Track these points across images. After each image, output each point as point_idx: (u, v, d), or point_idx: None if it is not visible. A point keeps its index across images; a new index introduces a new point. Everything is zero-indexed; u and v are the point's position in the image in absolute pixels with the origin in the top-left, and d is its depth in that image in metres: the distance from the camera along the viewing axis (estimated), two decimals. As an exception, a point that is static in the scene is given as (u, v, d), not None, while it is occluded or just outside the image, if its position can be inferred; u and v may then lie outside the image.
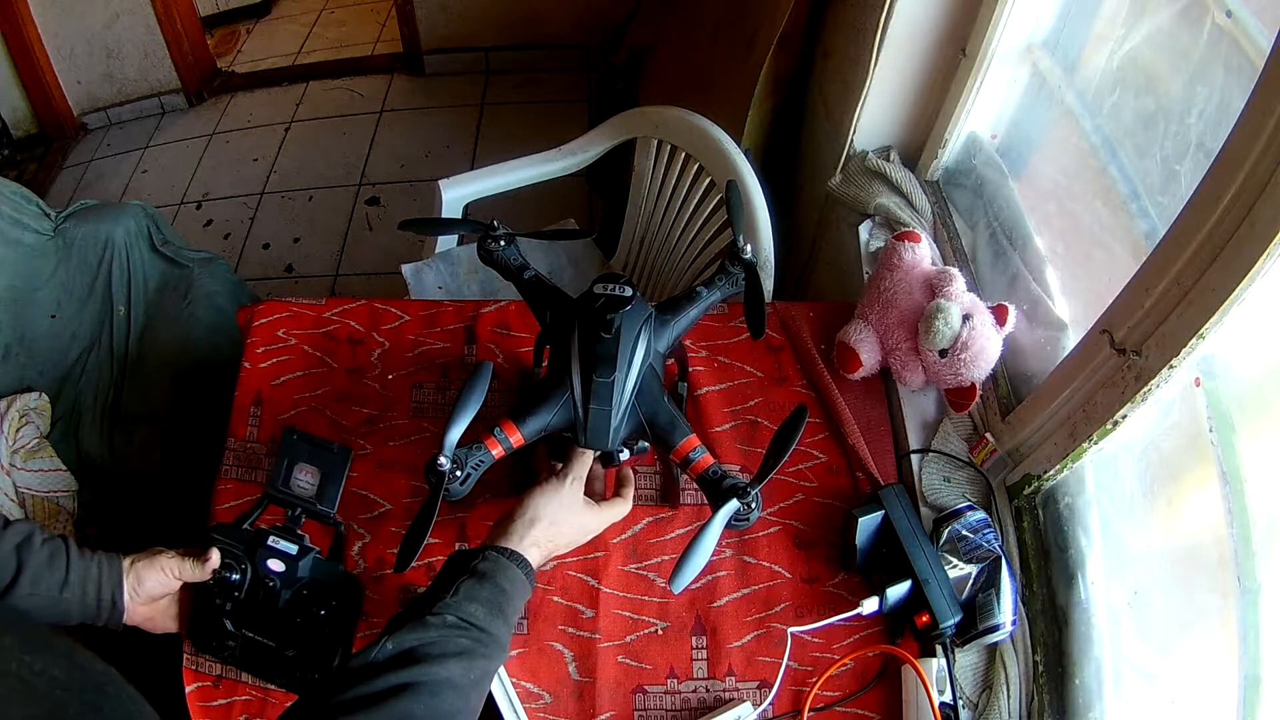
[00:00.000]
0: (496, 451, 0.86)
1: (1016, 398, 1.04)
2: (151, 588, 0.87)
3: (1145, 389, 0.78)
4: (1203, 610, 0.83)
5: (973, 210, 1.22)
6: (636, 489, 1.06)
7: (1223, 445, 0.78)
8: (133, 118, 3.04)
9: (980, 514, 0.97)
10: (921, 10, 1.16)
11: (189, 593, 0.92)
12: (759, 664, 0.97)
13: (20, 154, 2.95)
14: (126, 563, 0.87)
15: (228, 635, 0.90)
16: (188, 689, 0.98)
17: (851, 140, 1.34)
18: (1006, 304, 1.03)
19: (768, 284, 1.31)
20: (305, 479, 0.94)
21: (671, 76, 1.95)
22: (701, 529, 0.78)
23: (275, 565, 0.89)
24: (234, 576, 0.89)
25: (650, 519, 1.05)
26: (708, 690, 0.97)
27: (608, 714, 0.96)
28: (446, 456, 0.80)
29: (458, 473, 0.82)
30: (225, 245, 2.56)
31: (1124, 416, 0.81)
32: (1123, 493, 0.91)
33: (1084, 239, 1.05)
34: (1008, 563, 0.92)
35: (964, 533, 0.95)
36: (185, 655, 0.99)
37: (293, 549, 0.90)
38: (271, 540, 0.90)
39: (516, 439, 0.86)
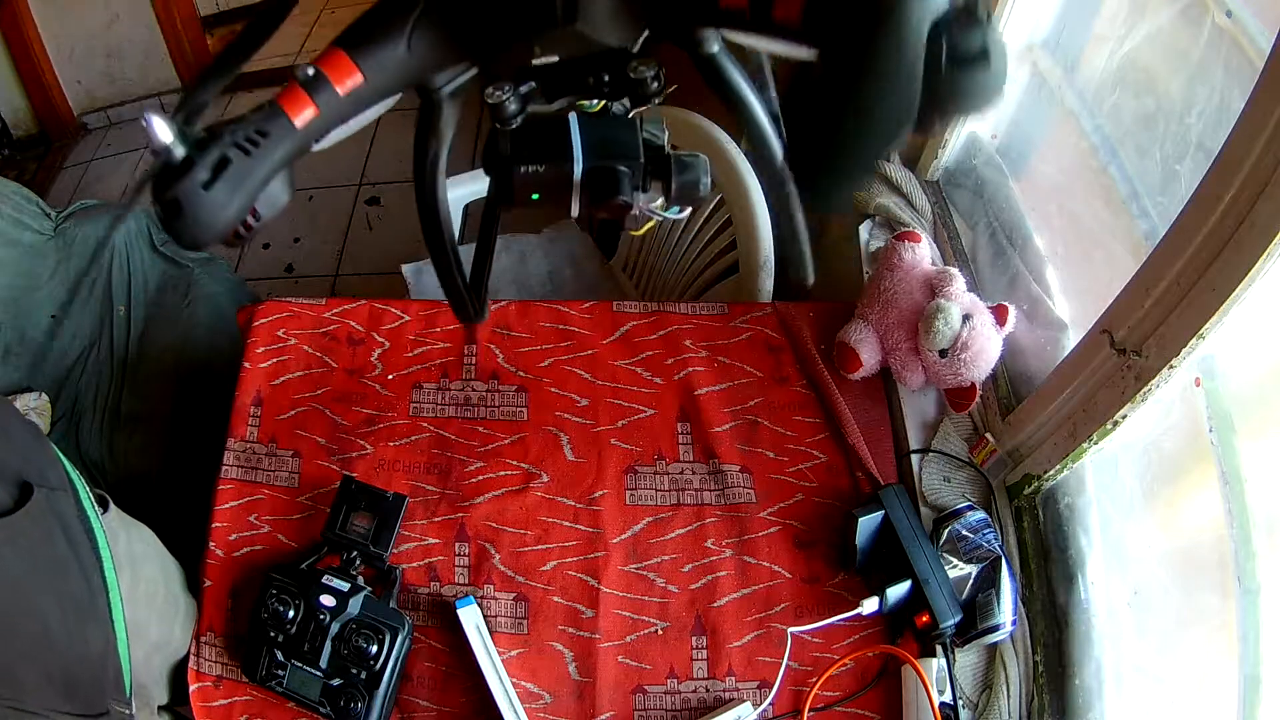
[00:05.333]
0: (304, 117, 0.39)
1: (1016, 398, 1.04)
2: None
3: (1145, 389, 0.78)
4: (1203, 610, 0.83)
5: (973, 210, 1.22)
6: (637, 489, 1.06)
7: (1223, 445, 0.78)
8: (133, 118, 3.04)
9: (980, 514, 0.97)
10: None
11: None
12: (759, 664, 0.97)
13: (20, 154, 2.94)
14: None
15: (277, 664, 0.94)
16: (190, 689, 0.98)
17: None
18: (1006, 304, 1.03)
19: (767, 284, 1.31)
20: (361, 525, 0.99)
21: (671, 76, 1.94)
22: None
23: (327, 600, 0.95)
24: (289, 613, 0.94)
25: (650, 519, 1.04)
26: (708, 690, 0.97)
27: (608, 714, 0.95)
28: (171, 118, 0.37)
29: (197, 161, 0.37)
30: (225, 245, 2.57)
31: (1124, 416, 0.81)
32: (1123, 493, 0.91)
33: (1084, 239, 1.05)
34: (1008, 563, 0.92)
35: (964, 533, 0.95)
36: (189, 654, 1.00)
37: (344, 586, 0.95)
38: (325, 579, 0.96)
39: (350, 82, 0.40)
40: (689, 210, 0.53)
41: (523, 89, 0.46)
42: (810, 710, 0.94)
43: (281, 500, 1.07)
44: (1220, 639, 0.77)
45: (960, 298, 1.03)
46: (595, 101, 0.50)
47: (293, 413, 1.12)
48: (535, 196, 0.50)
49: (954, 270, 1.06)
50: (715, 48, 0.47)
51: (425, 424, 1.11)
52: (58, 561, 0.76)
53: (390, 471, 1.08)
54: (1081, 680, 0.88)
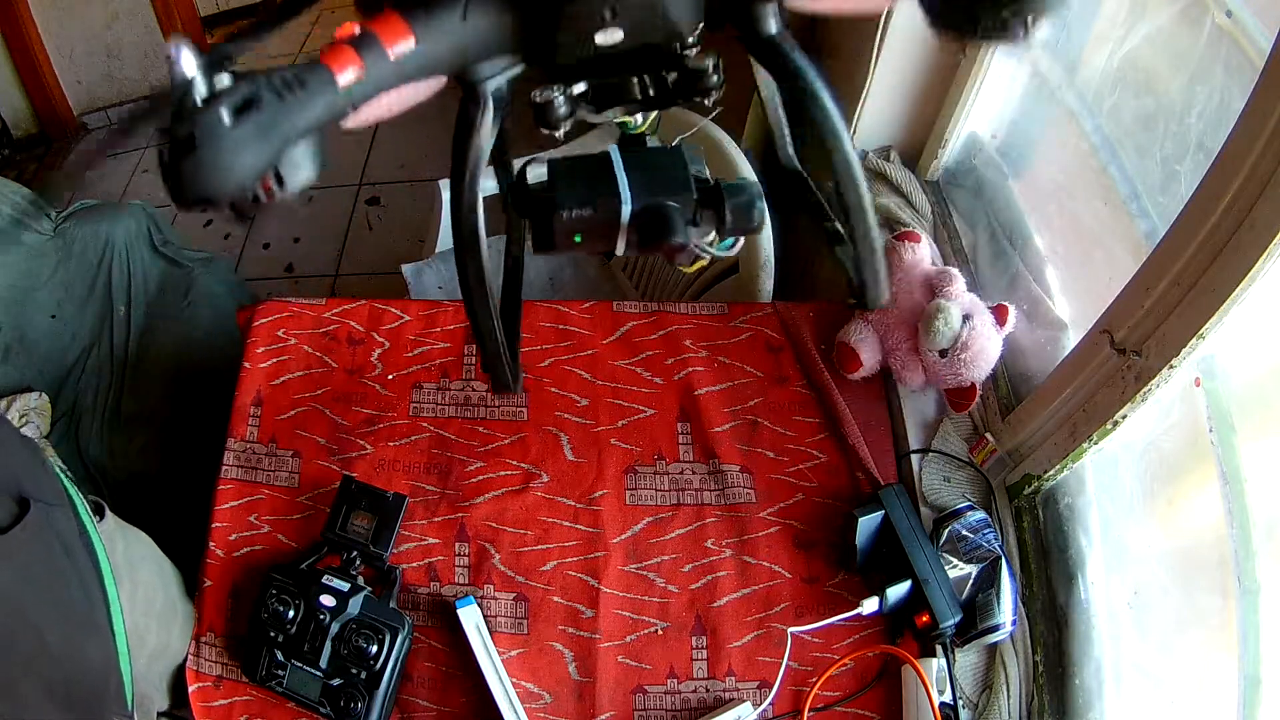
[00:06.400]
0: (346, 75, 0.36)
1: (1016, 398, 1.04)
2: None
3: (1145, 389, 0.78)
4: (1203, 610, 0.83)
5: (973, 210, 1.22)
6: (637, 489, 1.06)
7: (1223, 445, 0.78)
8: (133, 118, 3.04)
9: (980, 514, 0.97)
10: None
11: None
12: (759, 664, 0.97)
13: (20, 154, 2.94)
14: None
15: (277, 664, 0.95)
16: (190, 689, 0.98)
17: (852, 140, 1.33)
18: (1006, 304, 1.03)
19: (767, 284, 1.31)
20: (361, 525, 0.99)
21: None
22: None
23: (327, 600, 0.95)
24: (289, 613, 0.94)
25: (650, 519, 1.04)
26: (708, 690, 0.97)
27: (608, 714, 0.96)
28: (196, 62, 0.34)
29: (223, 97, 0.34)
30: (225, 245, 2.56)
31: (1124, 416, 0.81)
32: (1123, 493, 0.91)
33: (1084, 239, 1.05)
34: (1008, 563, 0.92)
35: (964, 533, 0.95)
36: (188, 655, 1.00)
37: (344, 586, 0.95)
38: (325, 579, 0.96)
39: (401, 45, 0.37)
40: (741, 243, 0.49)
41: (573, 90, 0.43)
42: (810, 710, 0.94)
43: (281, 500, 1.07)
44: (1220, 639, 0.77)
45: (960, 298, 1.03)
46: (641, 119, 0.47)
47: (293, 413, 1.12)
48: (578, 239, 0.47)
49: (954, 270, 1.06)
50: (775, 28, 0.44)
51: (425, 424, 1.11)
52: (55, 575, 0.77)
53: (390, 471, 1.08)
54: (1081, 680, 0.88)
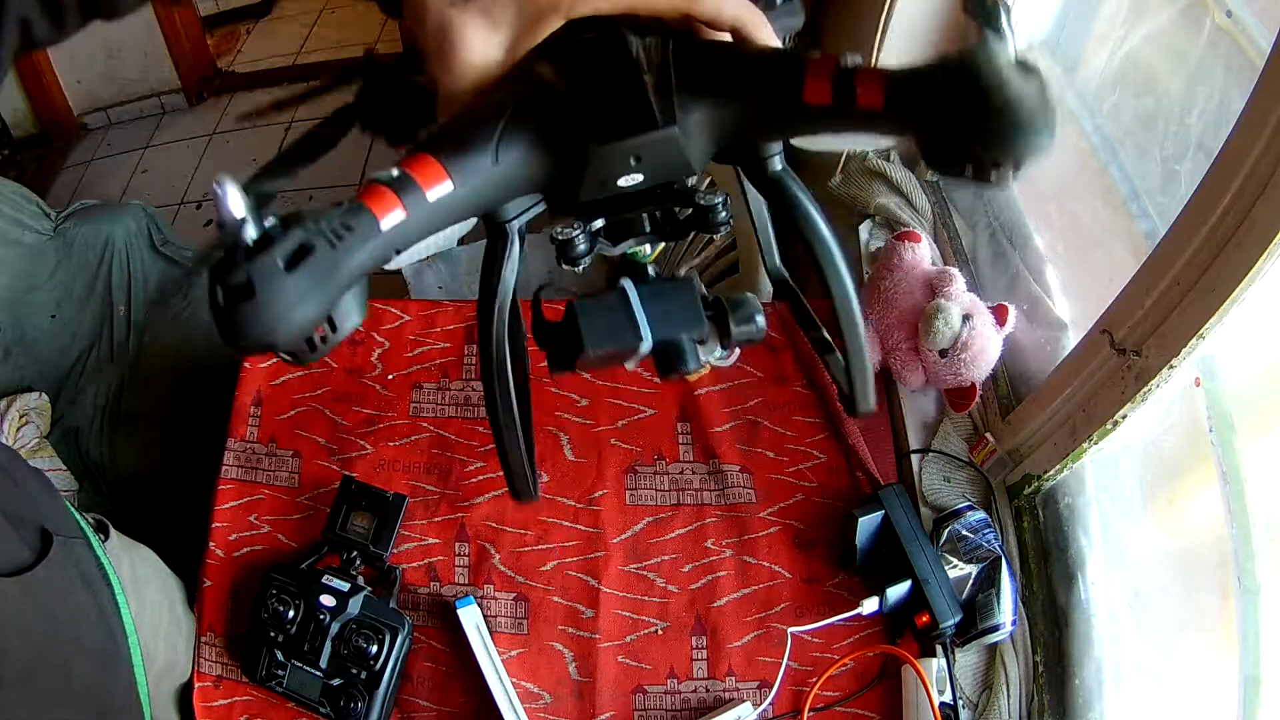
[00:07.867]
0: (390, 219, 0.36)
1: (1016, 398, 1.04)
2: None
3: (1145, 389, 0.78)
4: (1203, 610, 0.83)
5: (973, 210, 1.22)
6: (637, 489, 1.06)
7: (1223, 445, 0.78)
8: (133, 118, 3.04)
9: (980, 514, 0.97)
10: (921, 10, 1.16)
11: None
12: (759, 664, 0.97)
13: (20, 154, 2.94)
14: None
15: (277, 664, 0.95)
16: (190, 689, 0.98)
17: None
18: (1006, 304, 1.03)
19: (767, 285, 1.31)
20: (361, 525, 0.99)
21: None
22: None
23: (327, 600, 0.95)
24: (289, 613, 0.94)
25: (650, 519, 1.04)
26: (708, 690, 0.97)
27: (608, 714, 0.96)
28: (244, 203, 0.33)
29: (277, 240, 0.33)
30: (225, 245, 2.57)
31: (1124, 416, 0.81)
32: (1123, 493, 0.91)
33: (1084, 239, 1.05)
34: (1008, 563, 0.92)
35: (964, 533, 0.95)
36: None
37: (344, 586, 0.96)
38: (325, 579, 0.96)
39: (439, 187, 0.38)
40: (738, 352, 0.51)
41: (592, 226, 0.47)
42: (810, 710, 0.94)
43: (281, 500, 1.07)
44: (1220, 639, 0.77)
45: (960, 298, 1.03)
46: (650, 250, 0.50)
47: (293, 413, 1.12)
48: (593, 366, 0.52)
49: (954, 270, 1.06)
50: (780, 166, 0.46)
51: (425, 424, 1.11)
52: (77, 611, 0.76)
53: (390, 471, 1.08)
54: (1081, 680, 0.88)
